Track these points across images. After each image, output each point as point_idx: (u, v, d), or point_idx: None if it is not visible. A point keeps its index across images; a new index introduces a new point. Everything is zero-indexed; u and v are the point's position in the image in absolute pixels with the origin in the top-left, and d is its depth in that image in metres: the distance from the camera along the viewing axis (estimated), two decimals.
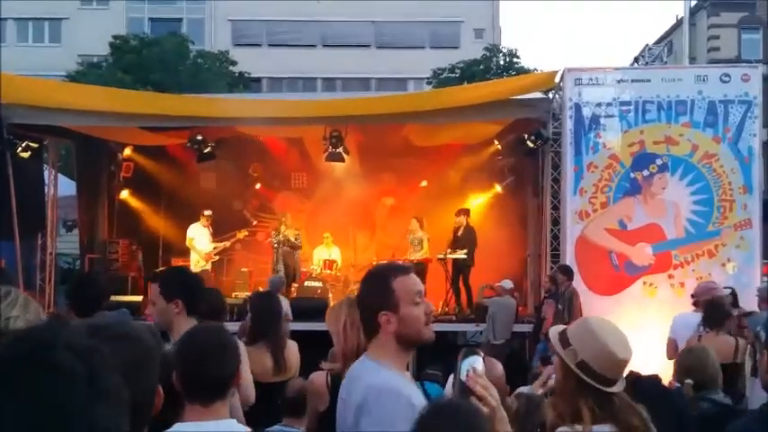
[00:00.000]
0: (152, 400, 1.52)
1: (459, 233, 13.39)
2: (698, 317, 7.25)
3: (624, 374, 2.73)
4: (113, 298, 11.20)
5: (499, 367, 4.03)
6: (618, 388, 2.66)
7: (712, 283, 8.82)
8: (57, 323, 1.14)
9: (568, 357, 2.67)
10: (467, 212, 13.60)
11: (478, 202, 15.02)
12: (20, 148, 12.28)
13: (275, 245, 13.82)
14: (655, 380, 4.63)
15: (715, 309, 6.60)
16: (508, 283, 11.97)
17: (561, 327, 2.83)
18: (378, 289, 2.60)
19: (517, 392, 5.28)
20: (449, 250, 13.15)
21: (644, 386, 4.02)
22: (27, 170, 12.71)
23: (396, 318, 2.53)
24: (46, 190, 13.81)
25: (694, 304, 7.73)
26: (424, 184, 15.51)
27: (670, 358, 7.49)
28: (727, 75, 11.29)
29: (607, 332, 2.68)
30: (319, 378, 3.78)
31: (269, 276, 13.97)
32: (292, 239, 13.56)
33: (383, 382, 2.47)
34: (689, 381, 4.27)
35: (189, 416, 2.50)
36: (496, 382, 3.98)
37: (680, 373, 4.53)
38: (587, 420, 2.59)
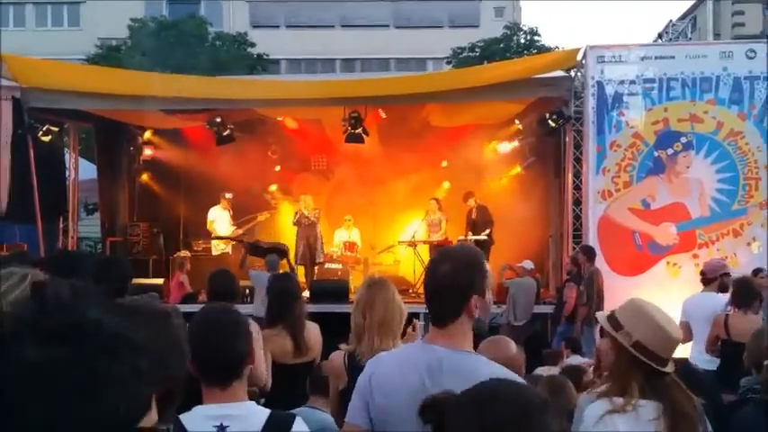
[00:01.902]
0: (181, 380, 1.52)
1: (474, 216, 13.33)
2: (708, 296, 7.18)
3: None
4: (135, 281, 11.27)
5: (513, 346, 4.00)
6: (670, 368, 2.69)
7: (723, 260, 8.76)
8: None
9: (624, 339, 2.69)
10: (472, 194, 13.54)
11: (499, 182, 14.92)
12: (41, 132, 12.35)
13: (296, 226, 13.77)
14: (684, 363, 4.53)
15: (745, 288, 6.51)
16: (529, 264, 11.89)
17: (608, 311, 2.84)
18: (476, 270, 2.51)
19: (535, 374, 5.22)
20: (470, 233, 13.10)
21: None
22: (48, 154, 12.79)
23: (481, 303, 2.49)
24: (67, 173, 13.90)
25: (703, 282, 7.64)
26: (444, 164, 15.41)
27: (683, 342, 7.41)
28: (752, 51, 11.09)
29: (658, 312, 2.73)
30: (337, 357, 3.79)
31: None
32: (310, 217, 13.54)
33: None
34: (766, 363, 4.12)
35: (207, 399, 2.48)
36: (510, 362, 3.95)
37: (754, 356, 4.31)
38: (634, 393, 2.62)
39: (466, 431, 1.50)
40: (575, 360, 7.72)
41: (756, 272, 8.35)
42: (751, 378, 4.18)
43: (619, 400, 2.62)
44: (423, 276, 2.74)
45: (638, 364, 2.64)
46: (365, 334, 3.74)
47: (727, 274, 7.55)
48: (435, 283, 2.51)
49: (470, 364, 2.42)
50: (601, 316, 2.85)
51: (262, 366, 4.28)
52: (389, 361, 2.65)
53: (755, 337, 4.44)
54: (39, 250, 12.32)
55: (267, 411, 2.56)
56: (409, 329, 4.20)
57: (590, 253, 10.43)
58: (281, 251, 12.57)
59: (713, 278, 7.46)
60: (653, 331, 2.66)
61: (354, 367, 3.56)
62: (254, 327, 3.68)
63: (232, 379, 2.50)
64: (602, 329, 3.01)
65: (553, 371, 6.07)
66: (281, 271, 10.70)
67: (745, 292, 6.43)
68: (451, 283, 2.47)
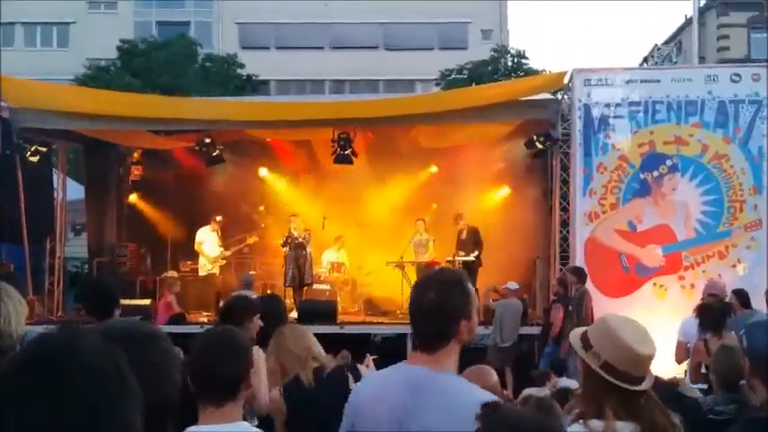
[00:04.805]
0: (169, 403, 1.55)
1: (464, 236, 13.37)
2: None
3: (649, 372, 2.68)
4: (122, 302, 11.21)
5: (494, 374, 4.07)
6: (645, 385, 2.61)
7: (717, 281, 8.80)
8: (74, 327, 1.16)
9: (591, 360, 2.63)
10: (462, 216, 13.57)
11: (487, 203, 14.97)
12: (29, 153, 12.31)
13: (285, 248, 13.73)
14: (672, 385, 4.52)
15: (709, 312, 6.48)
16: (513, 285, 11.91)
17: (582, 329, 2.78)
18: (464, 294, 2.51)
19: (525, 395, 5.24)
20: (462, 253, 13.11)
21: (660, 391, 3.93)
22: (36, 174, 12.77)
23: (468, 326, 2.49)
24: (54, 194, 13.85)
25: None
26: (432, 185, 15.43)
27: (679, 362, 7.39)
28: (737, 74, 11.23)
29: (626, 329, 2.64)
30: (274, 394, 3.92)
31: (279, 279, 14.01)
32: (299, 239, 13.50)
33: (488, 396, 2.45)
34: (741, 383, 4.12)
35: (203, 419, 2.52)
36: (491, 390, 4.01)
37: (726, 374, 4.28)
38: (609, 417, 2.54)
39: None
40: (565, 382, 7.74)
41: (737, 293, 8.31)
42: (715, 397, 4.18)
43: (594, 424, 2.55)
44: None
45: (610, 385, 2.58)
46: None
47: (713, 295, 7.59)
48: (422, 309, 2.47)
49: (453, 386, 2.43)
50: (573, 335, 2.78)
51: (263, 392, 4.30)
52: (371, 383, 2.72)
53: (719, 355, 4.45)
54: (25, 270, 12.27)
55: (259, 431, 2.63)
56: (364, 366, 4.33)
57: (580, 274, 10.44)
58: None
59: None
60: (621, 350, 2.57)
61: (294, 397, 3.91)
62: (257, 353, 3.77)
63: (225, 399, 2.53)
64: None
65: (543, 392, 6.08)
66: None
67: (709, 317, 6.40)
68: (440, 310, 2.44)
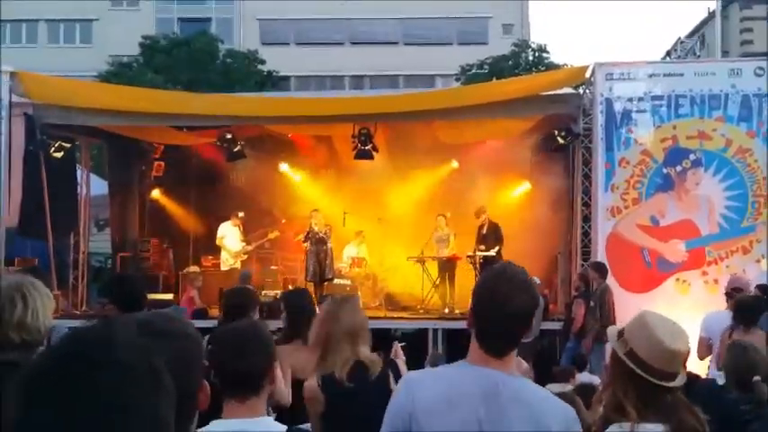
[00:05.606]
0: (193, 397, 1.54)
1: (485, 231, 13.34)
2: (729, 313, 7.13)
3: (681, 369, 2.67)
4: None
5: (524, 364, 4.04)
6: (676, 383, 2.59)
7: (741, 276, 8.73)
8: (109, 322, 1.16)
9: (619, 347, 2.64)
10: (484, 210, 13.52)
11: (508, 198, 14.93)
12: (53, 148, 12.46)
13: (305, 243, 13.76)
14: (710, 383, 4.50)
15: (745, 306, 6.48)
16: (535, 280, 11.85)
17: (621, 326, 2.79)
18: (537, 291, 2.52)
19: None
20: (482, 247, 13.08)
21: (698, 388, 3.89)
22: (60, 170, 12.89)
23: None
24: (78, 189, 13.98)
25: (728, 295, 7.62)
26: (453, 180, 15.41)
27: (701, 358, 7.37)
28: (761, 68, 11.10)
29: (659, 323, 2.65)
30: (311, 383, 3.71)
31: (300, 274, 14.06)
32: (320, 234, 13.52)
33: (546, 392, 2.46)
34: (757, 378, 4.09)
35: (227, 413, 2.53)
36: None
37: (739, 371, 4.27)
38: (632, 415, 2.53)
39: None
40: (586, 378, 7.72)
41: (761, 288, 8.29)
42: (732, 395, 4.15)
43: (625, 426, 2.54)
44: (477, 299, 2.43)
45: (632, 376, 2.56)
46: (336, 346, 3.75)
47: (738, 290, 7.55)
48: (513, 311, 2.32)
49: (526, 390, 2.37)
50: (611, 329, 2.81)
51: (283, 383, 4.28)
52: (433, 386, 2.41)
53: (731, 353, 4.41)
54: (49, 265, 12.40)
55: (283, 428, 2.60)
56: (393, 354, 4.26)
57: (602, 270, 10.39)
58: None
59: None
60: (650, 342, 2.56)
61: (331, 388, 3.64)
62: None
63: (249, 393, 2.53)
64: None
65: (566, 388, 6.07)
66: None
67: (745, 311, 6.40)
68: (528, 314, 2.37)
